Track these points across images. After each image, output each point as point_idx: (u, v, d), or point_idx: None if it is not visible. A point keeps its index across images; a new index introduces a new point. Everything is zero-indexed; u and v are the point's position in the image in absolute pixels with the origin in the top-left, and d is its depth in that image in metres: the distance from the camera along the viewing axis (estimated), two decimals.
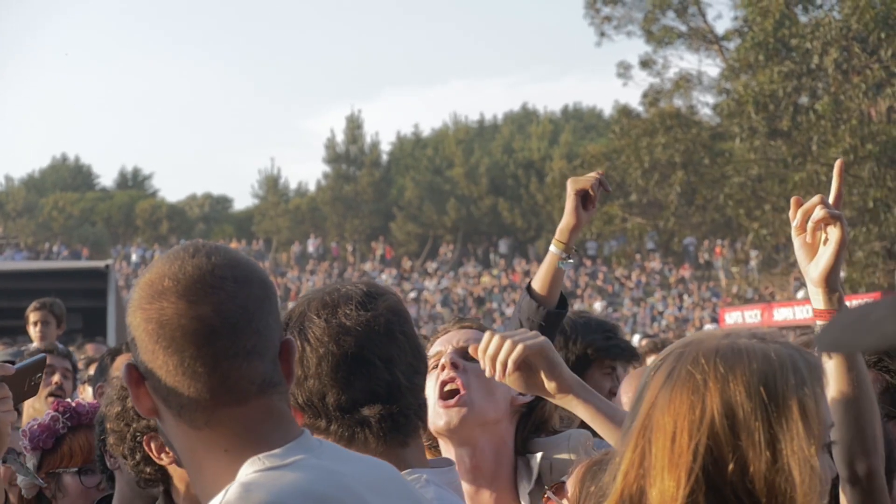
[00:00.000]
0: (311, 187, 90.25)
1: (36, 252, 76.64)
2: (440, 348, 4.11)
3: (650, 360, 7.97)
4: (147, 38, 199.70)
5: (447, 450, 4.01)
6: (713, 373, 2.26)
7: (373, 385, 3.05)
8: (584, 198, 5.05)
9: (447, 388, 3.94)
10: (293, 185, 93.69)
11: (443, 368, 3.98)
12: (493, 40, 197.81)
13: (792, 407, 2.28)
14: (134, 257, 73.47)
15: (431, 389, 3.89)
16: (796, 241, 3.60)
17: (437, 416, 3.92)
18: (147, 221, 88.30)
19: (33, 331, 11.47)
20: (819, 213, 3.51)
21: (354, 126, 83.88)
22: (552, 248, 5.18)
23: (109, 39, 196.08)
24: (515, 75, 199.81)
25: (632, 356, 6.21)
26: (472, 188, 78.83)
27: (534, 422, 4.11)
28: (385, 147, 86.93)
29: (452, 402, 3.91)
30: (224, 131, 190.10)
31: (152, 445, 4.10)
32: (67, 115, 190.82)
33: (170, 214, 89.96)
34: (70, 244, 79.56)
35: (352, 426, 3.05)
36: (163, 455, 4.11)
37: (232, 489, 2.29)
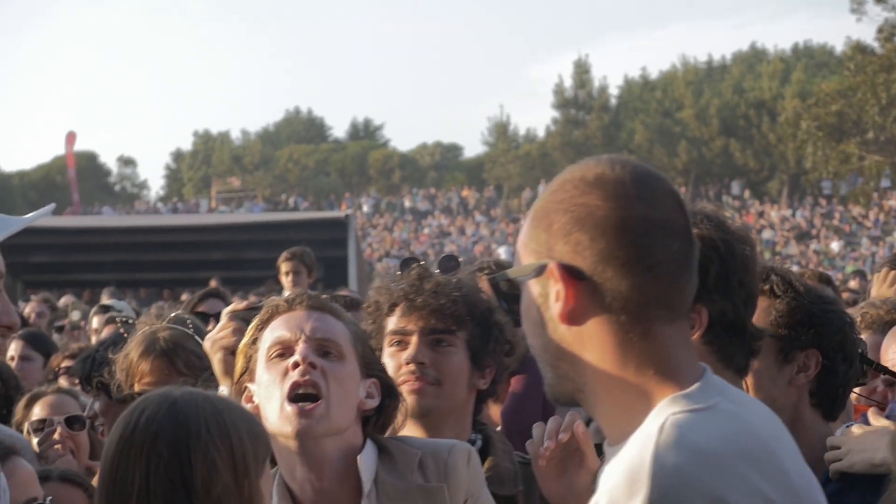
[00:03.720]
0: (541, 133, 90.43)
1: (274, 203, 78.27)
2: (286, 334, 3.54)
3: None
4: None
5: (286, 451, 3.50)
6: None
7: (754, 301, 3.06)
8: None
9: (301, 391, 3.42)
10: (522, 132, 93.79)
11: (295, 366, 3.45)
12: None
13: None
14: (365, 208, 74.35)
15: (273, 384, 3.48)
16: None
17: (285, 419, 3.42)
18: (380, 171, 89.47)
19: (285, 280, 11.73)
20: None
21: (582, 71, 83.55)
22: None
23: None
24: (742, 15, 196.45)
25: None
26: (703, 129, 77.86)
27: (380, 423, 3.65)
28: (613, 91, 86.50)
29: (309, 407, 3.40)
30: (453, 80, 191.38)
31: None
32: (300, 68, 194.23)
33: (402, 164, 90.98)
34: (305, 195, 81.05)
35: (742, 345, 3.07)
36: None
37: (667, 429, 2.22)
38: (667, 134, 78.90)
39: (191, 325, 5.06)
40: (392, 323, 4.33)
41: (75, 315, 11.32)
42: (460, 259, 4.67)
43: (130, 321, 6.17)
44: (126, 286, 29.98)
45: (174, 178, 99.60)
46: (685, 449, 2.19)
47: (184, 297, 20.86)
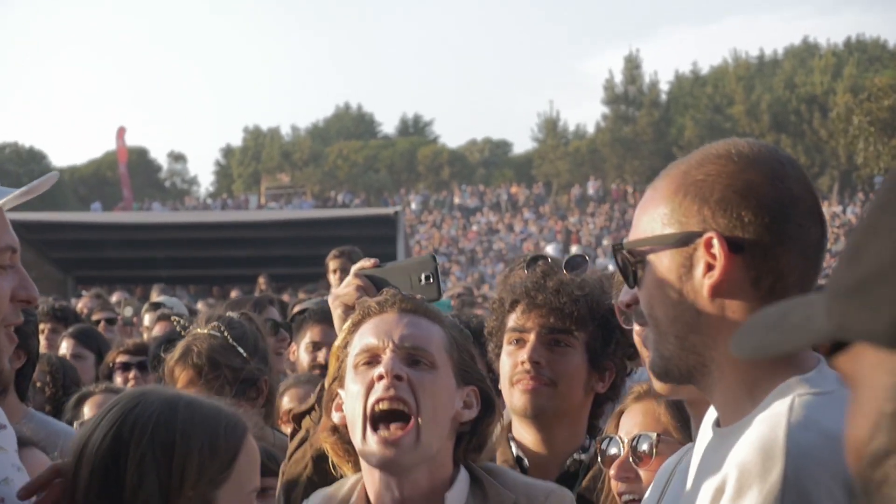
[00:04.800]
0: (590, 129, 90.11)
1: (323, 200, 78.38)
2: (374, 340, 3.29)
3: None
4: None
5: (369, 469, 3.29)
6: None
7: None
8: None
9: (383, 406, 3.18)
10: (572, 128, 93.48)
11: (380, 378, 3.20)
12: None
13: None
14: (413, 205, 74.30)
15: (358, 396, 3.24)
16: None
17: (369, 448, 3.19)
18: (429, 167, 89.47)
19: (333, 278, 11.76)
20: None
21: (633, 66, 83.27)
22: None
23: None
24: (795, 9, 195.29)
25: None
26: (754, 125, 77.44)
27: (475, 443, 3.37)
28: (664, 86, 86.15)
29: (395, 437, 3.16)
30: (502, 76, 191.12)
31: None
32: (350, 64, 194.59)
33: (451, 160, 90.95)
34: (355, 191, 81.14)
35: None
36: None
37: (796, 409, 2.27)
38: (717, 130, 78.48)
39: (227, 335, 5.08)
40: (512, 320, 4.31)
41: (128, 311, 11.39)
42: (587, 258, 4.61)
43: (184, 321, 6.22)
44: (175, 282, 30.16)
45: (224, 174, 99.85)
46: (816, 431, 2.24)
47: (233, 293, 20.96)
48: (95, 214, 51.38)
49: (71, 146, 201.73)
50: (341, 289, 3.90)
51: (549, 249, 48.79)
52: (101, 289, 17.11)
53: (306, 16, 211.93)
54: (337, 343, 3.45)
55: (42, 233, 29.91)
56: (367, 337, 3.31)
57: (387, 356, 3.24)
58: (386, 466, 3.19)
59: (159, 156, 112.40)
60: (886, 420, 1.29)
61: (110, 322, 11.23)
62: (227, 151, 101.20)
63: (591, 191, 74.72)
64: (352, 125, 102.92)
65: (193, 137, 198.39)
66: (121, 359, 7.89)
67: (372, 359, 3.28)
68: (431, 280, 3.78)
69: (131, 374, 7.78)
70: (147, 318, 10.48)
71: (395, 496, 3.24)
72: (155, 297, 13.45)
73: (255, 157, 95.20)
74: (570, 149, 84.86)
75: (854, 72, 78.27)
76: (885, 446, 1.29)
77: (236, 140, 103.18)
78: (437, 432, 3.22)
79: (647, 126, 79.72)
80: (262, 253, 31.00)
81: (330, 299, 3.99)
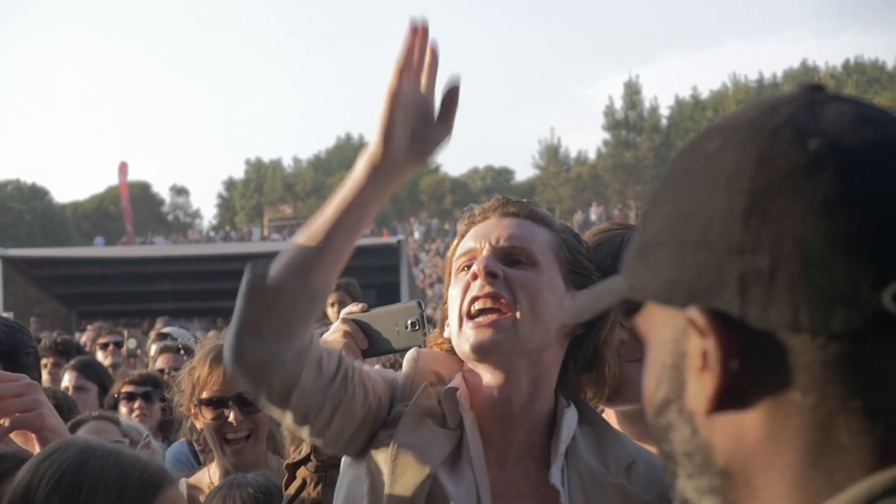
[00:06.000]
0: (592, 155, 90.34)
1: None
2: (472, 243, 3.15)
3: None
4: (424, 13, 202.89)
5: (471, 369, 3.11)
6: None
7: None
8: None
9: (477, 305, 3.02)
10: (573, 154, 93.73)
11: (474, 277, 3.05)
12: None
13: None
14: (416, 234, 74.35)
15: (456, 299, 3.10)
16: None
17: (464, 337, 3.02)
18: (431, 196, 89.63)
19: (331, 311, 11.73)
20: None
21: (633, 92, 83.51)
22: None
23: (389, 17, 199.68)
24: (793, 32, 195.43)
25: None
26: None
27: (585, 351, 3.14)
28: (664, 111, 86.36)
29: (484, 320, 2.99)
30: (503, 103, 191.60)
31: None
32: (351, 95, 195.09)
33: (453, 188, 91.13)
34: None
35: None
36: None
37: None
38: None
39: None
40: None
41: (132, 343, 11.38)
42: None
43: (189, 343, 6.23)
44: (180, 315, 30.10)
45: (226, 206, 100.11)
46: None
47: None
48: (98, 249, 51.35)
49: (73, 182, 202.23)
50: (328, 335, 3.86)
51: None
52: (105, 322, 17.07)
53: (307, 48, 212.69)
54: (449, 254, 3.31)
55: (45, 269, 29.88)
56: (467, 241, 3.19)
57: (481, 256, 3.10)
58: (482, 350, 2.99)
59: (162, 190, 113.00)
60: (668, 372, 1.41)
61: (118, 345, 11.21)
62: (230, 184, 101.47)
63: (593, 216, 74.78)
64: (354, 156, 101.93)
65: (195, 171, 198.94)
66: (126, 389, 7.89)
67: (470, 262, 3.14)
68: (417, 327, 3.70)
69: (136, 405, 7.78)
70: (154, 349, 10.48)
71: (495, 396, 3.06)
72: (160, 328, 13.40)
73: (257, 189, 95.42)
74: (571, 175, 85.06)
75: (854, 93, 78.19)
76: (667, 395, 1.42)
77: (238, 173, 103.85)
78: (539, 329, 3.01)
79: (648, 151, 79.93)
80: None
81: None
